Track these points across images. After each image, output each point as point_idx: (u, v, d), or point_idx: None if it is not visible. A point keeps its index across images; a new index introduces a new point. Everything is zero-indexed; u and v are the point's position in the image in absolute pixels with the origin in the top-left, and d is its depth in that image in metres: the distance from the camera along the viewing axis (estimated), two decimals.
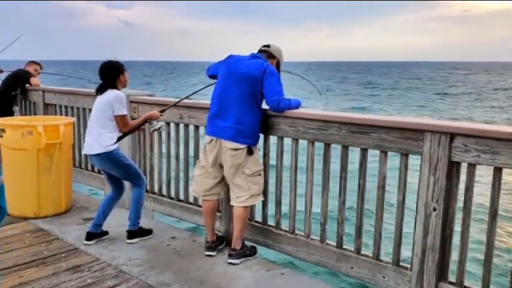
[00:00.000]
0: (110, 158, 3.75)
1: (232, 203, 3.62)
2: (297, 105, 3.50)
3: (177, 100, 4.13)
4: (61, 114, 5.69)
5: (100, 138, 3.73)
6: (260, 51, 3.68)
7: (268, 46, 3.71)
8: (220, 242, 3.81)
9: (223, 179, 3.63)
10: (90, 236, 3.89)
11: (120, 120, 3.75)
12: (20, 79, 6.13)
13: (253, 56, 3.61)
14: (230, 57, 3.63)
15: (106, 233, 4.00)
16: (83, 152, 3.95)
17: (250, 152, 3.46)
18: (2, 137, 4.43)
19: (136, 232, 3.96)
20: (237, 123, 3.43)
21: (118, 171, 3.86)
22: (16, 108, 6.17)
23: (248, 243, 3.74)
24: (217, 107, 3.53)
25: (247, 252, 3.64)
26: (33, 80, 6.13)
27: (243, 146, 3.44)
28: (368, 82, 59.47)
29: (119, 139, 3.78)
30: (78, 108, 5.49)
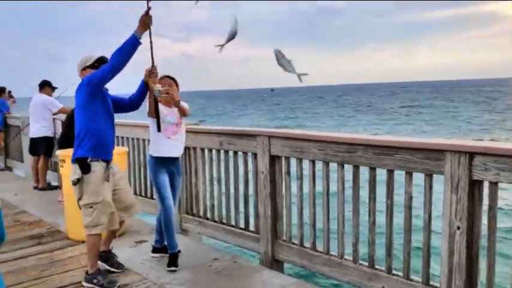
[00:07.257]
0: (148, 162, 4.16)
1: None
2: None
3: None
4: (118, 145, 6.11)
5: None
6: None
7: None
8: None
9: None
10: (154, 250, 4.28)
11: None
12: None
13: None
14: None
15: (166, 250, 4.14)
16: None
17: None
18: (62, 167, 4.87)
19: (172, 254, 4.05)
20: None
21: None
22: None
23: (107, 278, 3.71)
24: None
25: (95, 281, 3.64)
26: None
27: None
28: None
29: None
30: (132, 139, 5.91)
